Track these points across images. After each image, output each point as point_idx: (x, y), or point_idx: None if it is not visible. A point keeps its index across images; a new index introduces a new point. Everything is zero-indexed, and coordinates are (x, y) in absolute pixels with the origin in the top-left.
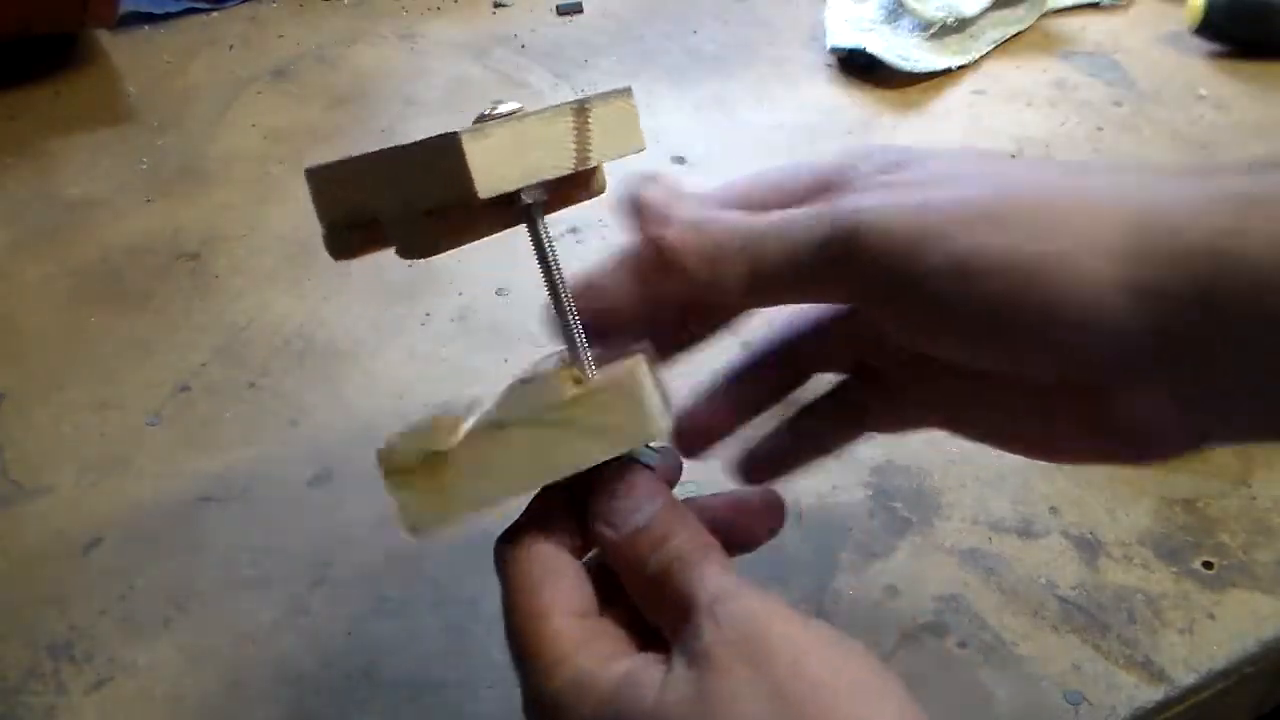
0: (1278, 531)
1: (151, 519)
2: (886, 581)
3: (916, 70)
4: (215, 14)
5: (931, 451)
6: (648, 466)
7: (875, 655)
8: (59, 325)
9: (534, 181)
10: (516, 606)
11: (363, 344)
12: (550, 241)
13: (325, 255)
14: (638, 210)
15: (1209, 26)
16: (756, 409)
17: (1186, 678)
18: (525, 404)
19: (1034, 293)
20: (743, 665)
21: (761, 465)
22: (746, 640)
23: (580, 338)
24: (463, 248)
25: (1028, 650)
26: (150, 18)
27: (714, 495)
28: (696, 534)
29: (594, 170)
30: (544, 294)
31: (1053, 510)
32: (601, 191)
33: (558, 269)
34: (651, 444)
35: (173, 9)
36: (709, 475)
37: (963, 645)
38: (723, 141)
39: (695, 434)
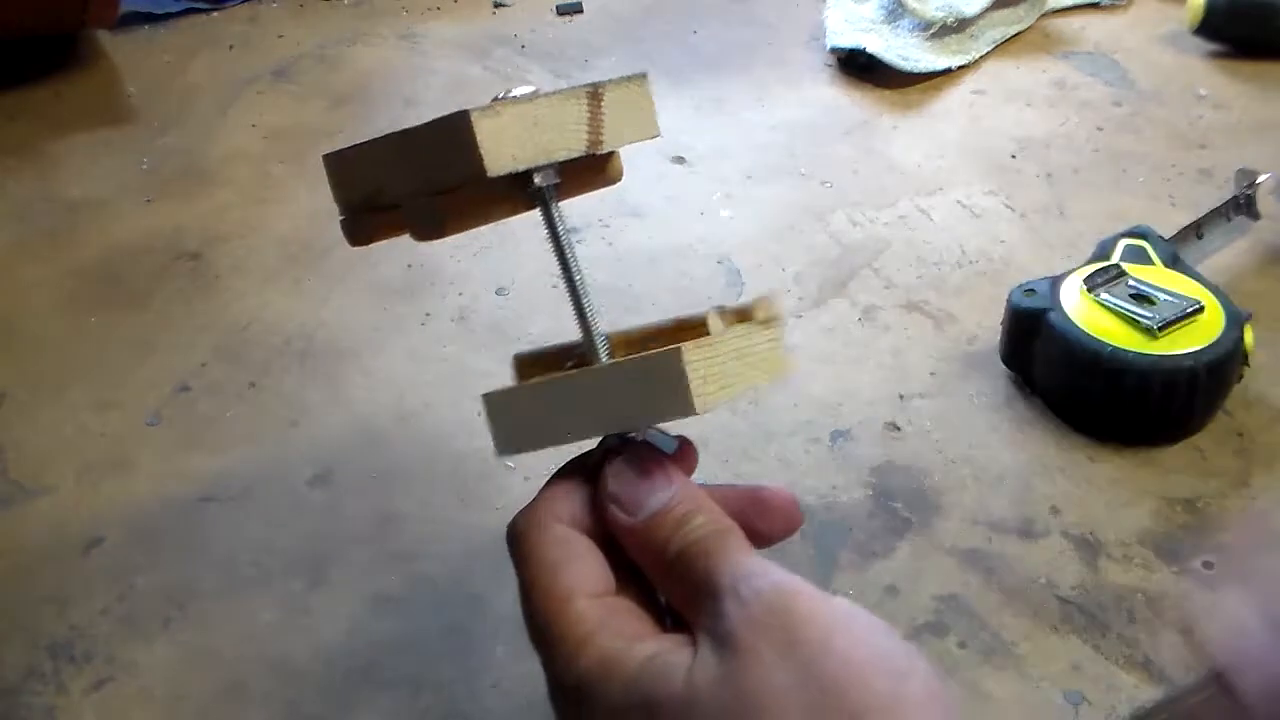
0: (1278, 531)
1: (151, 519)
2: (886, 581)
3: (916, 70)
4: (215, 14)
5: (931, 452)
6: (664, 452)
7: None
8: (59, 325)
9: (545, 163)
10: (537, 589)
11: (363, 344)
12: (564, 225)
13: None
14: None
15: (1209, 26)
16: None
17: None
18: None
19: None
20: (770, 644)
21: None
22: (772, 619)
23: (593, 321)
24: (462, 248)
25: (1028, 650)
26: (150, 18)
27: (730, 486)
28: (716, 516)
29: (610, 157)
30: (543, 294)
31: (1053, 510)
32: (618, 179)
33: (572, 253)
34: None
35: (173, 9)
36: (712, 472)
37: (963, 645)
38: (723, 141)
39: None
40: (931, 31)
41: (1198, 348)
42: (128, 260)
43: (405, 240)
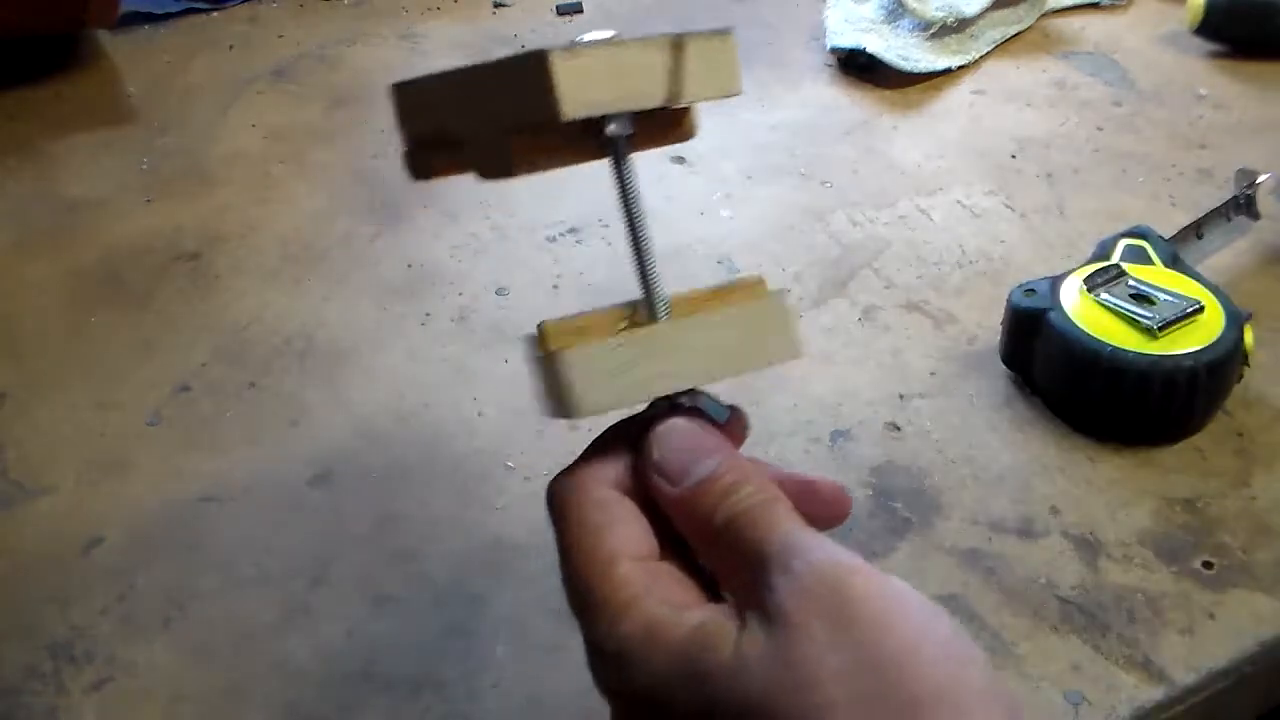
0: (1278, 531)
1: (151, 519)
2: None
3: (916, 70)
4: (215, 14)
5: (931, 451)
6: (714, 420)
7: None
8: (59, 325)
9: (622, 110)
10: (579, 551)
11: (363, 344)
12: (634, 177)
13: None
14: None
15: (1209, 26)
16: None
17: (1186, 678)
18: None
19: None
20: (823, 622)
21: None
22: (826, 595)
23: (655, 280)
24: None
25: (1028, 650)
26: (150, 18)
27: (776, 469)
28: (764, 485)
29: (686, 112)
30: (543, 294)
31: (1053, 510)
32: (692, 135)
33: (639, 208)
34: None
35: (173, 9)
36: None
37: None
38: (723, 141)
39: None
40: (931, 31)
41: (1198, 348)
42: (128, 260)
43: (405, 240)
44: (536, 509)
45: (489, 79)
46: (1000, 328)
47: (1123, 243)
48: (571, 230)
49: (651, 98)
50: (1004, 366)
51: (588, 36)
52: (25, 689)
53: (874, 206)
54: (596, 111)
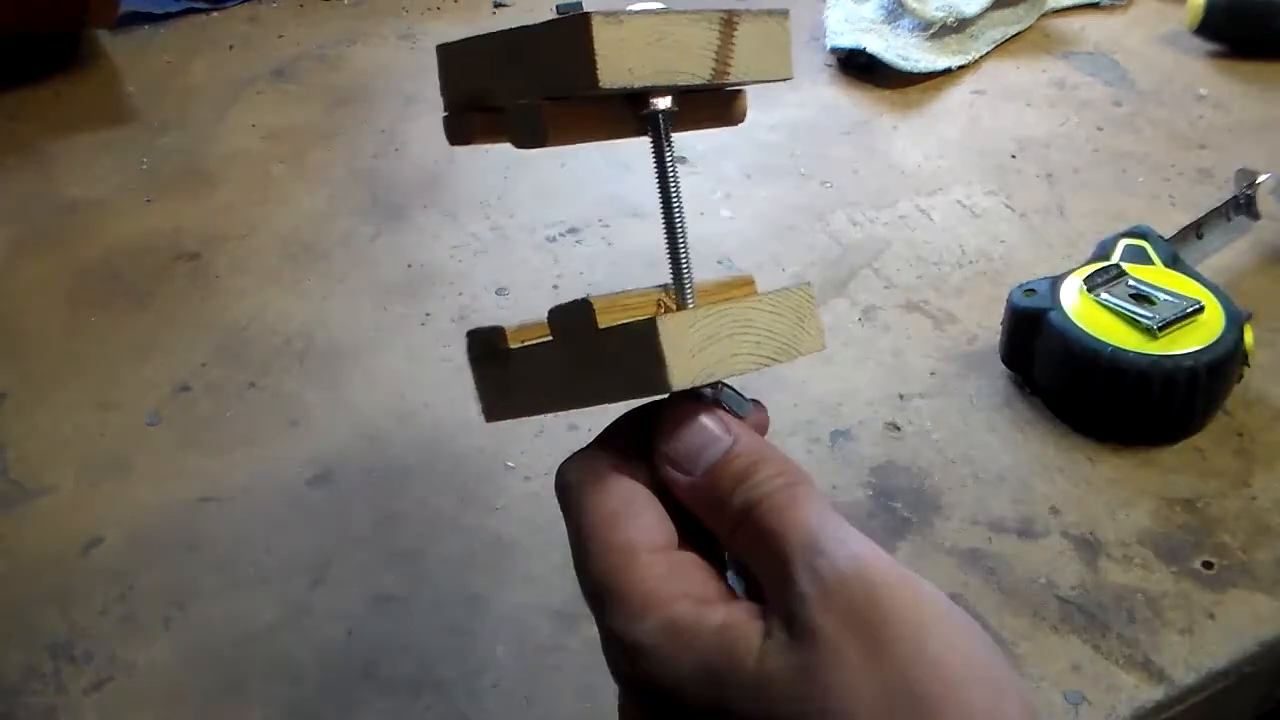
0: (1278, 531)
1: (151, 519)
2: None
3: (916, 70)
4: (215, 14)
5: (931, 451)
6: (736, 415)
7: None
8: (59, 325)
9: (664, 84)
10: (595, 541)
11: (363, 344)
12: (674, 159)
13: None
14: None
15: (1209, 26)
16: None
17: (1186, 678)
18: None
19: None
20: (855, 640)
21: None
22: (857, 609)
23: (688, 266)
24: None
25: (1028, 650)
26: (150, 18)
27: None
28: (782, 467)
29: (736, 96)
30: (543, 294)
31: (1053, 510)
32: (741, 120)
33: (677, 190)
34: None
35: (173, 9)
36: None
37: None
38: (723, 141)
39: None
40: (931, 31)
41: (1198, 348)
42: (128, 260)
43: (405, 240)
44: (536, 509)
45: (530, 42)
46: (1000, 328)
47: (1123, 243)
48: (571, 230)
49: (695, 75)
50: (1004, 366)
51: (635, 6)
52: (25, 689)
53: (874, 206)
54: (635, 84)
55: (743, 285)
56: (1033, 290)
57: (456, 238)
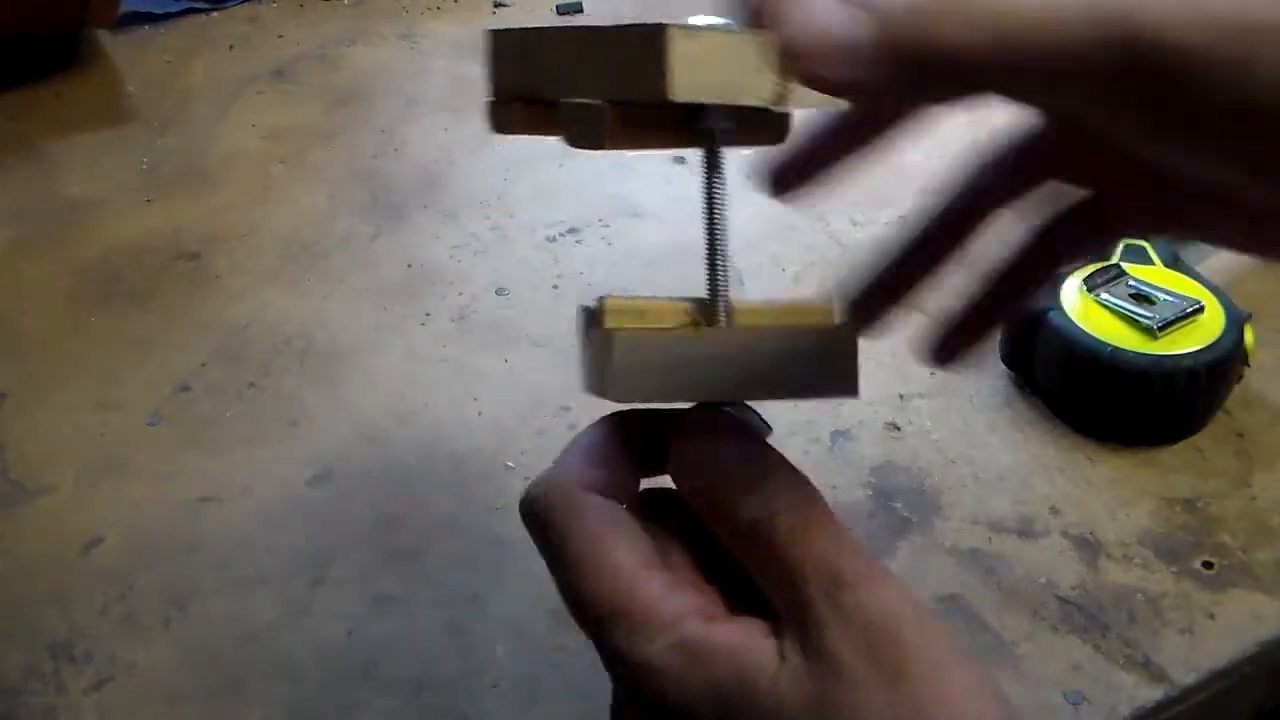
0: (1278, 531)
1: (151, 519)
2: None
3: None
4: (215, 14)
5: (931, 451)
6: (754, 429)
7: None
8: (59, 325)
9: (730, 102)
10: (588, 562)
11: (363, 344)
12: (723, 174)
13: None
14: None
15: None
16: (934, 264)
17: (1186, 678)
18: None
19: None
20: (874, 671)
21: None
22: (878, 642)
23: (724, 285)
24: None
25: (1028, 650)
26: (150, 18)
27: None
28: (793, 480)
29: (784, 118)
30: (543, 294)
31: (1052, 510)
32: (784, 140)
33: (722, 204)
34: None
35: (173, 9)
36: None
37: None
38: None
39: (873, 302)
40: None
41: (1198, 348)
42: (128, 260)
43: (405, 240)
44: None
45: (600, 45)
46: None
47: (1123, 242)
48: (571, 230)
49: (759, 95)
50: (1004, 366)
51: (695, 20)
52: (25, 689)
53: (874, 206)
54: (704, 98)
55: (808, 312)
56: None
57: (456, 238)
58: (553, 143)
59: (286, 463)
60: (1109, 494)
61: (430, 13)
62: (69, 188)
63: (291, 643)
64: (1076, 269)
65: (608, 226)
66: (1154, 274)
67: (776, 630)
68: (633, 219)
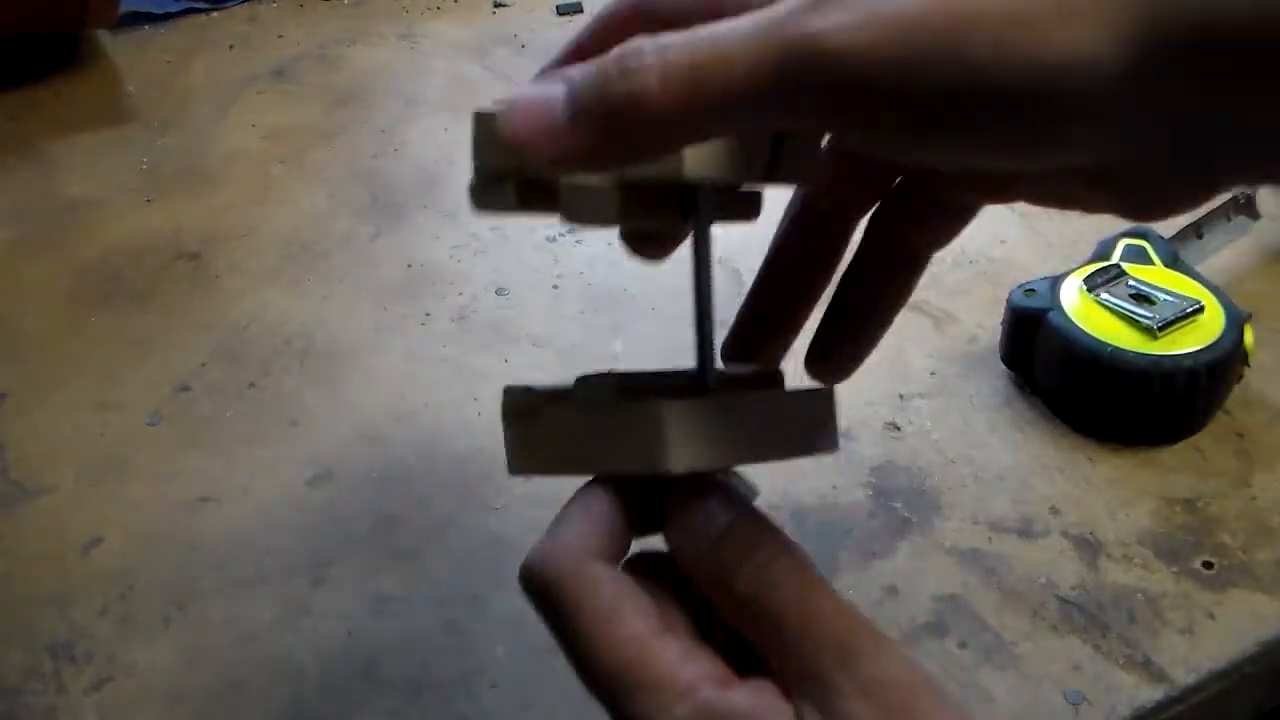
0: (1278, 531)
1: (151, 519)
2: (886, 581)
3: None
4: (215, 14)
5: (931, 451)
6: (742, 494)
7: None
8: (59, 325)
9: (724, 178)
10: (600, 634)
11: (363, 344)
12: (710, 249)
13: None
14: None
15: None
16: (810, 290)
17: (1186, 678)
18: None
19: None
20: None
21: (832, 348)
22: (898, 713)
23: (713, 350)
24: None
25: (1028, 650)
26: (150, 18)
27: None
28: (789, 552)
29: (759, 196)
30: (543, 294)
31: (1052, 510)
32: (756, 218)
33: (708, 275)
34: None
35: (173, 9)
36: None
37: (963, 645)
38: None
39: (752, 338)
40: None
41: (1198, 348)
42: (128, 260)
43: (405, 240)
44: (536, 509)
45: None
46: (1000, 328)
47: (1123, 242)
48: (571, 230)
49: (753, 176)
50: (1004, 366)
51: None
52: (25, 689)
53: None
54: (708, 175)
55: (768, 379)
56: (1033, 290)
57: (456, 238)
58: None
59: (286, 463)
60: (1109, 494)
61: (430, 13)
62: (69, 188)
63: (291, 643)
64: (1076, 269)
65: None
66: (1154, 274)
67: (787, 693)
68: None
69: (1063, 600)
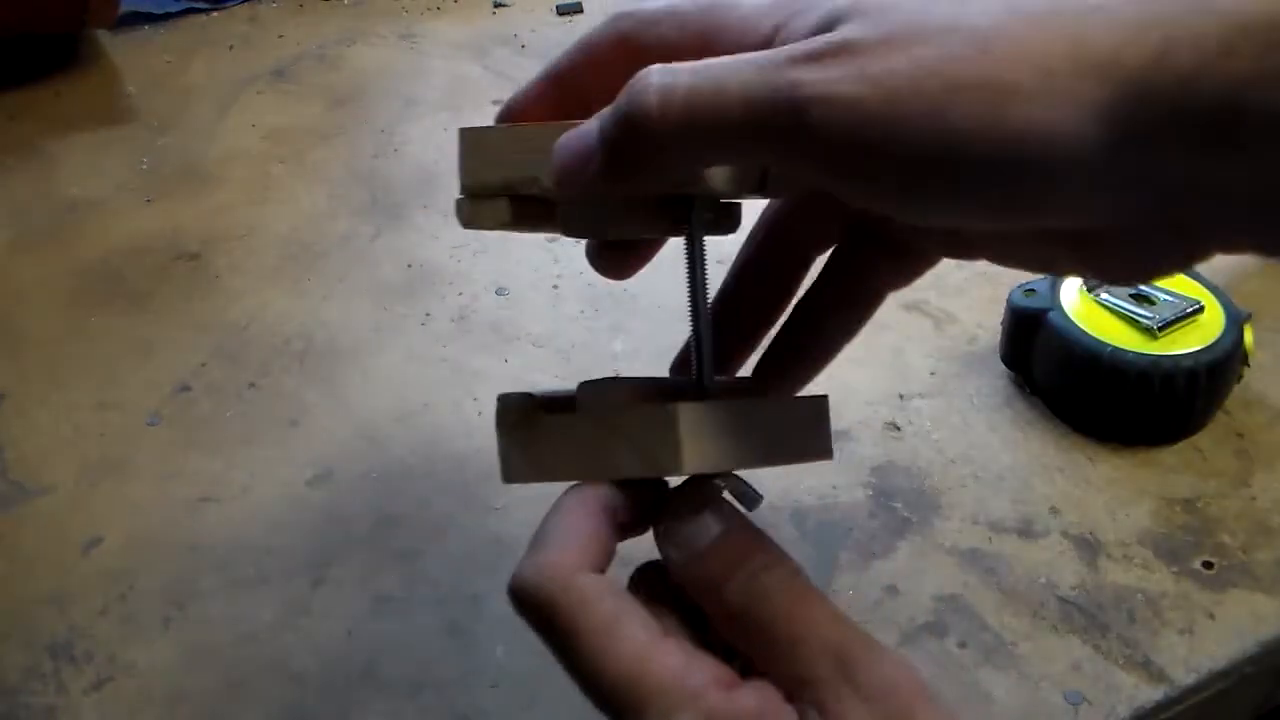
0: (1278, 531)
1: (151, 519)
2: (886, 581)
3: None
4: (215, 14)
5: (931, 451)
6: (741, 503)
7: None
8: (59, 325)
9: (717, 193)
10: (602, 648)
11: (363, 344)
12: (704, 260)
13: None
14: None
15: None
16: (769, 312)
17: (1186, 678)
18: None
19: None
20: None
21: (779, 369)
22: (895, 714)
23: (710, 359)
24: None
25: (1028, 650)
26: (150, 18)
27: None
28: (780, 562)
29: (739, 210)
30: (543, 294)
31: (1052, 510)
32: (734, 231)
33: (703, 287)
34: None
35: (173, 9)
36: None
37: (963, 645)
38: None
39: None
40: None
41: (1198, 348)
42: (127, 260)
43: (405, 240)
44: (536, 509)
45: None
46: (1000, 328)
47: None
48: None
49: (741, 193)
50: (1004, 366)
51: None
52: (25, 689)
53: None
54: (706, 188)
55: (756, 387)
56: (1033, 290)
57: (456, 238)
58: None
59: (286, 463)
60: (1109, 494)
61: (430, 13)
62: (69, 188)
63: (291, 643)
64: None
65: None
66: None
67: (789, 695)
68: None
69: (1063, 600)
